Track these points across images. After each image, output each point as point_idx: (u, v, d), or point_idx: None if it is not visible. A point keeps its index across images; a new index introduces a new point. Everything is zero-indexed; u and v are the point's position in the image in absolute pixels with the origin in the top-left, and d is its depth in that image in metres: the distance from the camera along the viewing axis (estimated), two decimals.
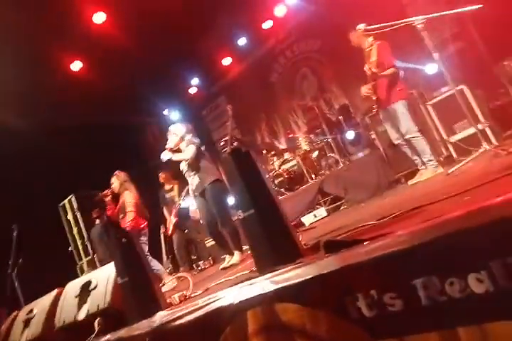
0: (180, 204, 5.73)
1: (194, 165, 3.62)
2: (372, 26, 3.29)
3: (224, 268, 3.44)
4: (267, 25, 7.13)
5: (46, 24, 5.42)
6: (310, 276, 1.28)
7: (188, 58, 7.54)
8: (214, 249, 6.13)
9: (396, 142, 3.98)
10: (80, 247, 6.71)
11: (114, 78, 6.95)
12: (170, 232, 5.88)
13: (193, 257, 6.26)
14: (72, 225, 6.67)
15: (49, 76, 6.31)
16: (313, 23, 6.70)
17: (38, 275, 5.19)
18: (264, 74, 7.97)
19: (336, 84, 6.93)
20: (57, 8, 5.02)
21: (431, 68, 4.43)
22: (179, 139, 3.71)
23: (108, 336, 2.09)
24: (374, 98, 3.88)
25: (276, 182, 5.93)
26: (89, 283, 2.57)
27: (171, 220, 5.83)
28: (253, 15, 6.82)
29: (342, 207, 4.86)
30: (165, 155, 3.63)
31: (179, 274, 2.68)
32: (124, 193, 4.38)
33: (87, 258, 6.43)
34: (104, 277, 2.50)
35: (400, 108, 3.76)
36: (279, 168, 6.15)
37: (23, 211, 5.71)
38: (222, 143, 4.89)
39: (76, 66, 6.57)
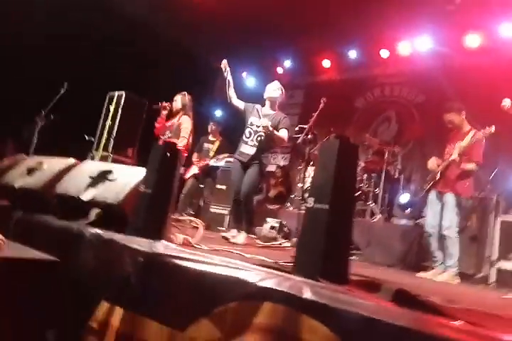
0: (209, 163, 5.56)
1: (269, 143, 3.46)
2: None
3: (225, 238, 3.29)
4: (384, 53, 6.68)
5: None
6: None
7: (294, 43, 7.10)
8: (212, 217, 5.92)
9: (428, 230, 3.62)
10: (103, 141, 6.54)
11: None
12: (186, 177, 5.71)
13: (191, 212, 6.07)
14: (109, 117, 6.50)
15: None
16: (431, 77, 6.08)
17: (55, 139, 5.09)
18: (352, 95, 7.33)
19: (415, 141, 6.32)
20: None
21: None
22: (279, 98, 3.55)
23: (99, 231, 1.94)
24: (437, 177, 3.56)
25: None
26: (109, 172, 2.40)
27: (194, 169, 5.67)
28: (375, 38, 6.27)
29: (353, 257, 4.50)
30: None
31: (193, 219, 2.48)
32: (183, 117, 4.15)
33: (103, 153, 6.31)
34: (127, 176, 2.33)
35: (456, 201, 3.43)
36: None
37: (79, 81, 5.53)
38: (296, 129, 4.65)
39: None
